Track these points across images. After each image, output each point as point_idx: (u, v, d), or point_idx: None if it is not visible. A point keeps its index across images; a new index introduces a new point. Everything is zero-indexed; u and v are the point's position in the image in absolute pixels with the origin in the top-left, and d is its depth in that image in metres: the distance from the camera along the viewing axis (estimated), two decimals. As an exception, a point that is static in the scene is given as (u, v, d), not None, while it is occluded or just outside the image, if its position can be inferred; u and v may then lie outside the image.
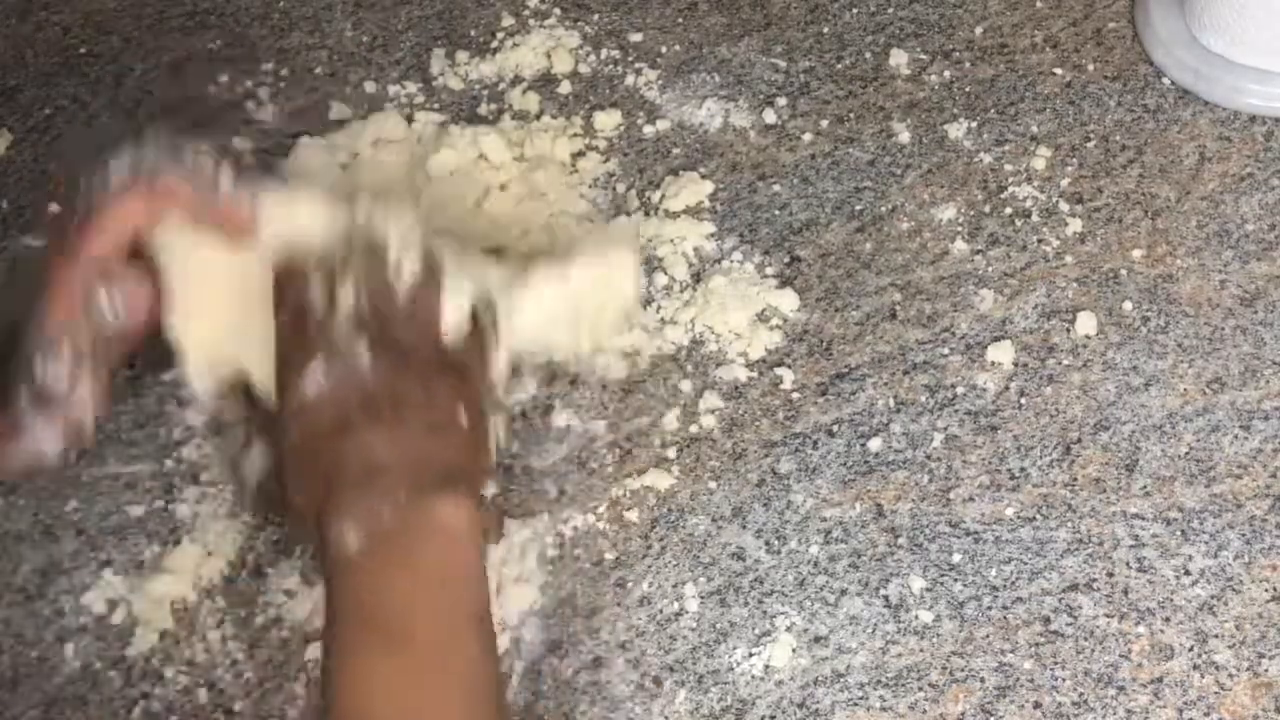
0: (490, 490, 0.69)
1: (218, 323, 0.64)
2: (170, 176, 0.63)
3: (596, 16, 0.95)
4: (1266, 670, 0.63)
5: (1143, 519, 0.68)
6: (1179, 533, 0.67)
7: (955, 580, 0.67)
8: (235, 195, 0.64)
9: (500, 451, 0.66)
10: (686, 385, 0.75)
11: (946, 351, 0.75)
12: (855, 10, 0.93)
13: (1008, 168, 0.82)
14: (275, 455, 0.63)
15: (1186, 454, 0.70)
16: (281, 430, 0.61)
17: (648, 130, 0.88)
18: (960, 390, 0.73)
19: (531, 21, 0.95)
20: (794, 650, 0.66)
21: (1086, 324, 0.75)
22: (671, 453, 0.73)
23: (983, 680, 0.64)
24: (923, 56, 0.89)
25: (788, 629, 0.66)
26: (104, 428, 0.78)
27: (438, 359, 0.63)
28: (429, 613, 0.58)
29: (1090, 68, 0.87)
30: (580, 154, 0.87)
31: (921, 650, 0.65)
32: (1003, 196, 0.81)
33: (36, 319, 0.62)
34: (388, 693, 0.54)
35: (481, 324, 0.64)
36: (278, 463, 0.62)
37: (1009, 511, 0.69)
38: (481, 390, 0.64)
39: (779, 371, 0.75)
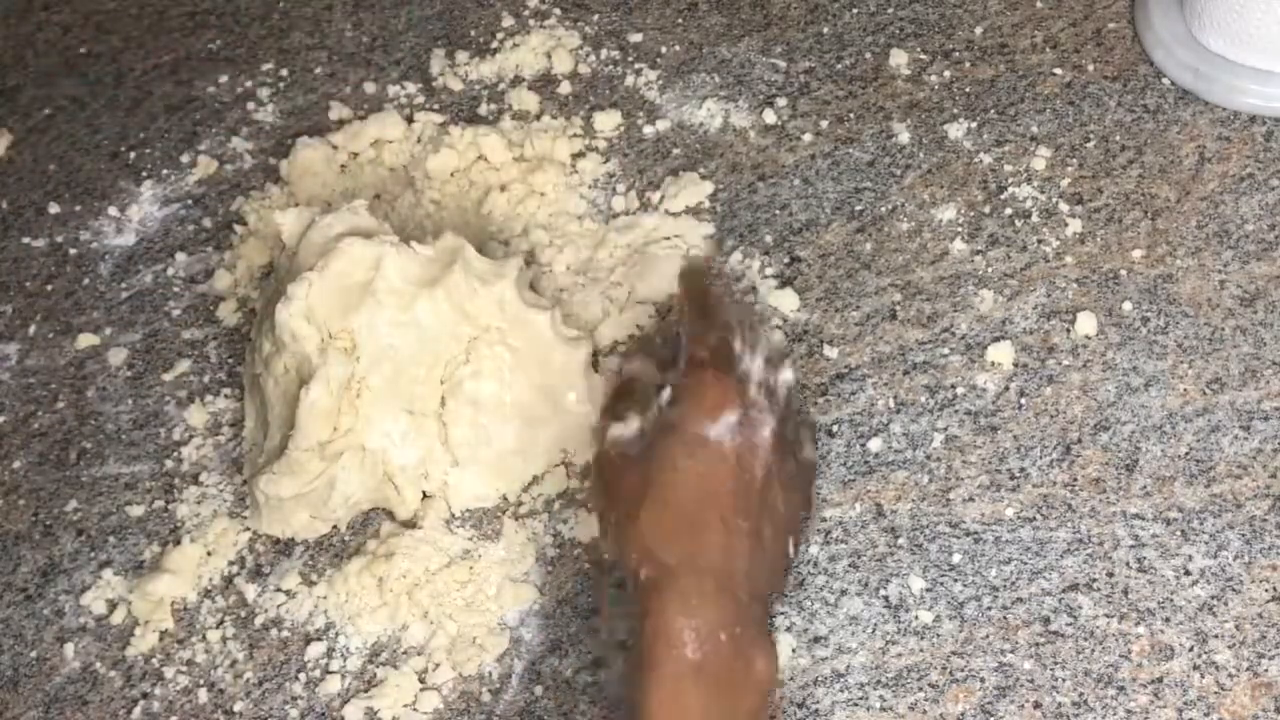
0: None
1: None
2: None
3: (596, 16, 0.95)
4: (1266, 670, 0.63)
5: (1143, 519, 0.68)
6: (1179, 533, 0.67)
7: (955, 580, 0.67)
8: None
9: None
10: (686, 385, 0.75)
11: (946, 351, 0.75)
12: (855, 10, 0.93)
13: (1008, 168, 0.82)
14: (637, 456, 0.61)
15: (1186, 454, 0.70)
16: (664, 443, 0.60)
17: (648, 130, 0.88)
18: (960, 390, 0.73)
19: (531, 22, 0.95)
20: (794, 650, 0.66)
21: (1086, 324, 0.75)
22: (671, 453, 0.73)
23: (983, 680, 0.64)
24: (923, 56, 0.89)
25: (788, 629, 0.66)
26: (104, 427, 0.78)
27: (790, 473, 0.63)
28: None
29: (1090, 68, 0.87)
30: (580, 154, 0.87)
31: (921, 650, 0.65)
32: (1003, 197, 0.81)
33: None
34: None
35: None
36: (641, 474, 0.60)
37: (1009, 511, 0.69)
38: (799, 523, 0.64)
39: (779, 371, 0.75)
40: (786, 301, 0.78)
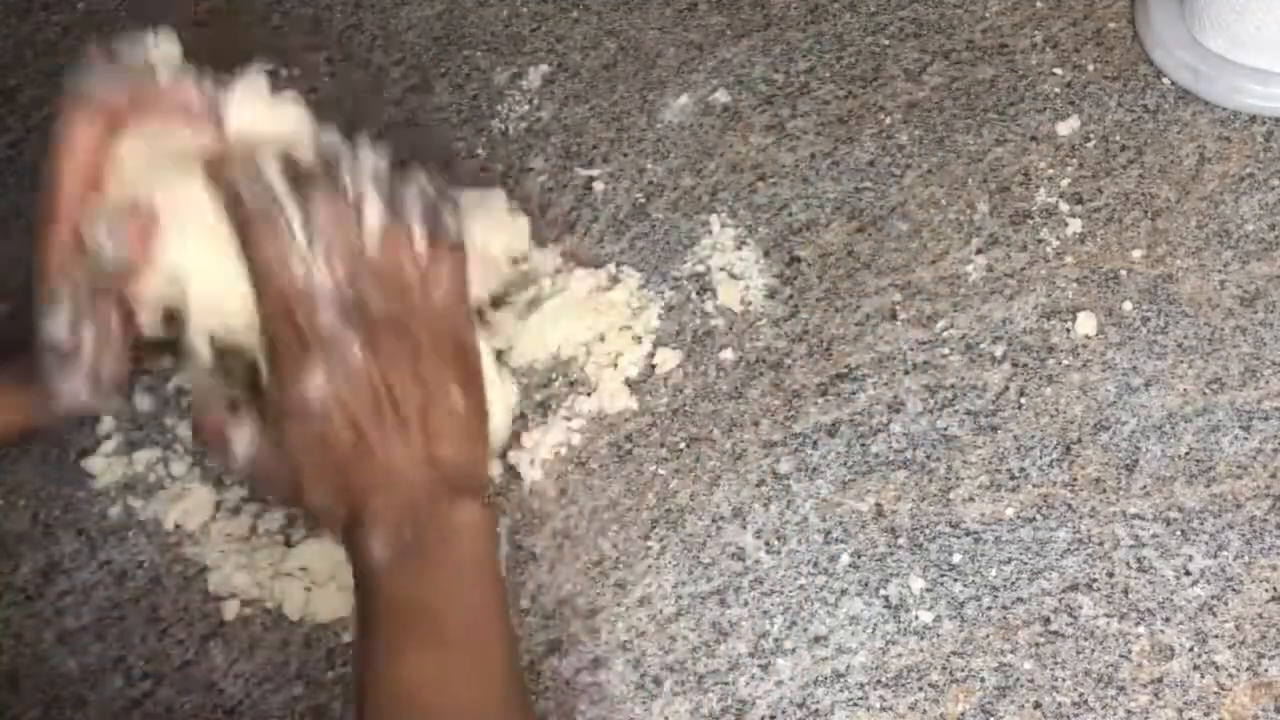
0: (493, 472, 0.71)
1: (219, 265, 0.62)
2: (105, 86, 0.63)
3: (596, 17, 0.95)
4: (1266, 670, 0.63)
5: (1143, 519, 0.68)
6: (1179, 533, 0.67)
7: (955, 580, 0.67)
8: (177, 82, 0.64)
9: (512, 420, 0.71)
10: (687, 385, 0.75)
11: (946, 351, 0.75)
12: (855, 10, 0.93)
13: (1008, 168, 0.82)
14: (275, 448, 0.63)
15: (1186, 454, 0.70)
16: (281, 426, 0.62)
17: (648, 131, 0.88)
18: (960, 390, 0.74)
19: (531, 22, 0.95)
20: (794, 650, 0.66)
21: (1086, 324, 0.75)
22: (671, 453, 0.73)
23: (983, 680, 0.64)
24: (923, 56, 0.89)
25: (788, 629, 0.66)
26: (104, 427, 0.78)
27: (430, 338, 0.63)
28: (459, 610, 0.60)
29: (1090, 68, 0.87)
30: (580, 154, 0.87)
31: (921, 650, 0.65)
32: (1003, 196, 0.81)
33: (35, 276, 0.63)
34: (430, 683, 0.57)
35: (450, 260, 0.65)
36: (286, 461, 0.62)
37: (1009, 511, 0.69)
38: (475, 361, 0.66)
39: (779, 372, 0.75)
40: (779, 309, 0.78)
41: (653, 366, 0.76)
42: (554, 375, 0.76)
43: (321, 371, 0.61)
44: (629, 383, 0.76)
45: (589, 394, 0.75)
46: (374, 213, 0.62)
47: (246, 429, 0.63)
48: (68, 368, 0.62)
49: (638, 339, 0.77)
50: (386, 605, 0.59)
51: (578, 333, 0.77)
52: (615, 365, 0.76)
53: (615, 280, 0.79)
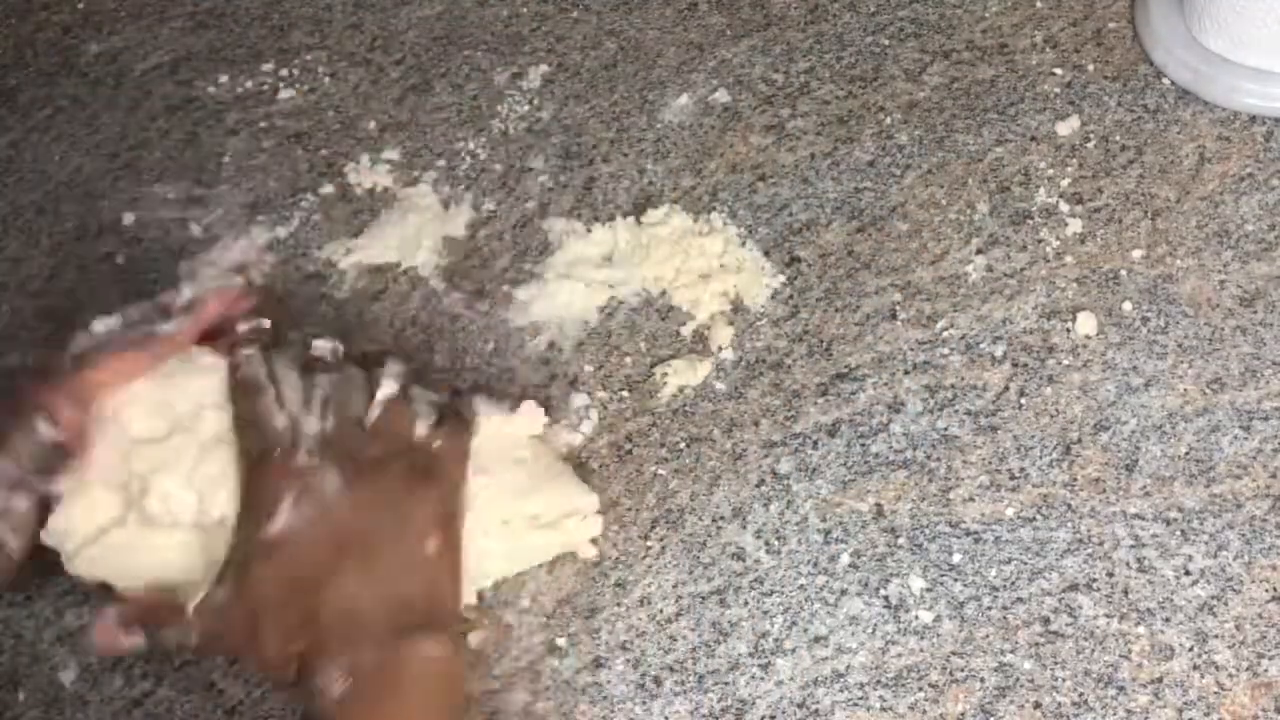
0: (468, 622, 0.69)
1: None
2: (131, 348, 0.65)
3: (595, 17, 0.95)
4: (1266, 670, 0.63)
5: (1143, 519, 0.68)
6: (1179, 533, 0.67)
7: (955, 580, 0.67)
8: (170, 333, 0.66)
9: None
10: (687, 386, 0.75)
11: (946, 351, 0.75)
12: (855, 10, 0.93)
13: (1008, 168, 0.82)
14: (233, 597, 0.61)
15: (1186, 454, 0.70)
16: (244, 570, 0.60)
17: (648, 131, 0.88)
18: (960, 390, 0.74)
19: (531, 22, 0.95)
20: (794, 650, 0.66)
21: (1086, 324, 0.75)
22: (671, 453, 0.73)
23: (983, 680, 0.64)
24: (923, 56, 0.89)
25: (788, 629, 0.66)
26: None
27: (407, 473, 0.63)
28: None
29: (1090, 68, 0.87)
30: (580, 154, 0.87)
31: (921, 650, 0.65)
32: (1003, 196, 0.81)
33: None
34: None
35: (456, 426, 0.65)
36: (244, 604, 0.60)
37: (1009, 511, 0.69)
38: (457, 501, 0.64)
39: (779, 372, 0.75)
40: (779, 310, 0.78)
41: (653, 366, 0.76)
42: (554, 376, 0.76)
43: (291, 505, 0.60)
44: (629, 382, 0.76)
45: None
46: (386, 389, 0.64)
47: (181, 613, 0.61)
48: None
49: (638, 339, 0.78)
50: None
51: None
52: (615, 365, 0.76)
53: (615, 280, 0.80)
